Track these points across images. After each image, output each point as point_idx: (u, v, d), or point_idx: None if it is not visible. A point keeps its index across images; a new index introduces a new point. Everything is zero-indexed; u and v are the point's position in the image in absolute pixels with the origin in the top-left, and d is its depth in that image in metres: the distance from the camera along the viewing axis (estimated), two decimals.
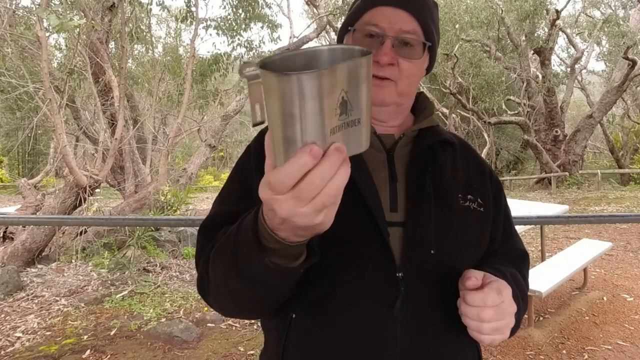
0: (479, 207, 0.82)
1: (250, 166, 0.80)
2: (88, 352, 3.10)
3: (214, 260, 0.67)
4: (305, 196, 0.45)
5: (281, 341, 0.75)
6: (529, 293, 1.21)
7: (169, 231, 5.96)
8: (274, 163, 0.46)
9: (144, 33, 8.86)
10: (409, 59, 0.78)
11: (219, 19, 7.91)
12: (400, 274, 0.72)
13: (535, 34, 15.82)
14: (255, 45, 8.20)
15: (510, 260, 0.87)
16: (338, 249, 0.72)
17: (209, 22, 7.82)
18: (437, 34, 0.84)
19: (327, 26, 11.11)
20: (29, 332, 3.46)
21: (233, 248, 0.61)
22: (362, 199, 0.73)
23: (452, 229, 0.77)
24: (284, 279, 0.60)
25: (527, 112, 16.89)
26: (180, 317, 3.78)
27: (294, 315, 0.74)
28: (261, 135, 0.83)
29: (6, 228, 5.68)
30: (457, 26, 14.99)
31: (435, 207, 0.76)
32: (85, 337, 3.36)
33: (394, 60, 0.77)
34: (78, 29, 5.39)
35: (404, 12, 0.78)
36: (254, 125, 0.50)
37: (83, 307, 3.94)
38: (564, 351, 3.10)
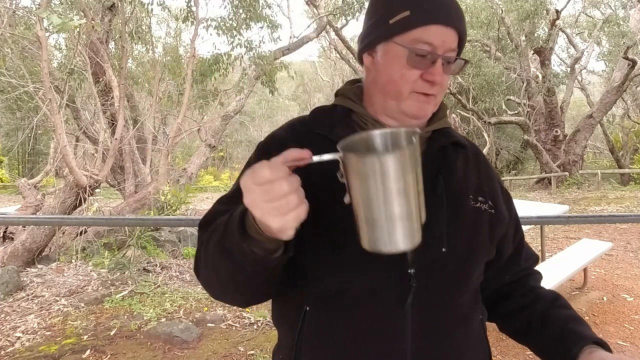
0: (490, 208, 0.84)
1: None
2: (88, 352, 3.10)
3: (209, 241, 0.73)
4: (271, 194, 0.52)
5: (295, 335, 0.76)
6: None
7: (169, 231, 5.96)
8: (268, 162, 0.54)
9: (144, 33, 8.84)
10: (449, 75, 0.80)
11: (219, 19, 7.90)
12: (411, 271, 0.73)
13: (535, 34, 15.82)
14: (255, 45, 8.18)
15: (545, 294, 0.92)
16: (352, 245, 0.73)
17: (209, 22, 7.81)
18: None
19: (327, 26, 11.12)
20: (29, 332, 3.46)
21: (223, 231, 0.67)
22: None
23: (463, 229, 0.79)
24: (259, 267, 0.65)
25: (527, 112, 16.89)
26: (180, 317, 3.77)
27: (307, 308, 0.76)
28: (262, 146, 0.85)
29: (6, 228, 5.68)
30: None
31: (447, 206, 0.77)
32: (85, 337, 3.36)
33: (444, 80, 0.78)
34: (78, 29, 5.39)
35: (453, 30, 0.76)
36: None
37: (83, 307, 3.94)
38: None
